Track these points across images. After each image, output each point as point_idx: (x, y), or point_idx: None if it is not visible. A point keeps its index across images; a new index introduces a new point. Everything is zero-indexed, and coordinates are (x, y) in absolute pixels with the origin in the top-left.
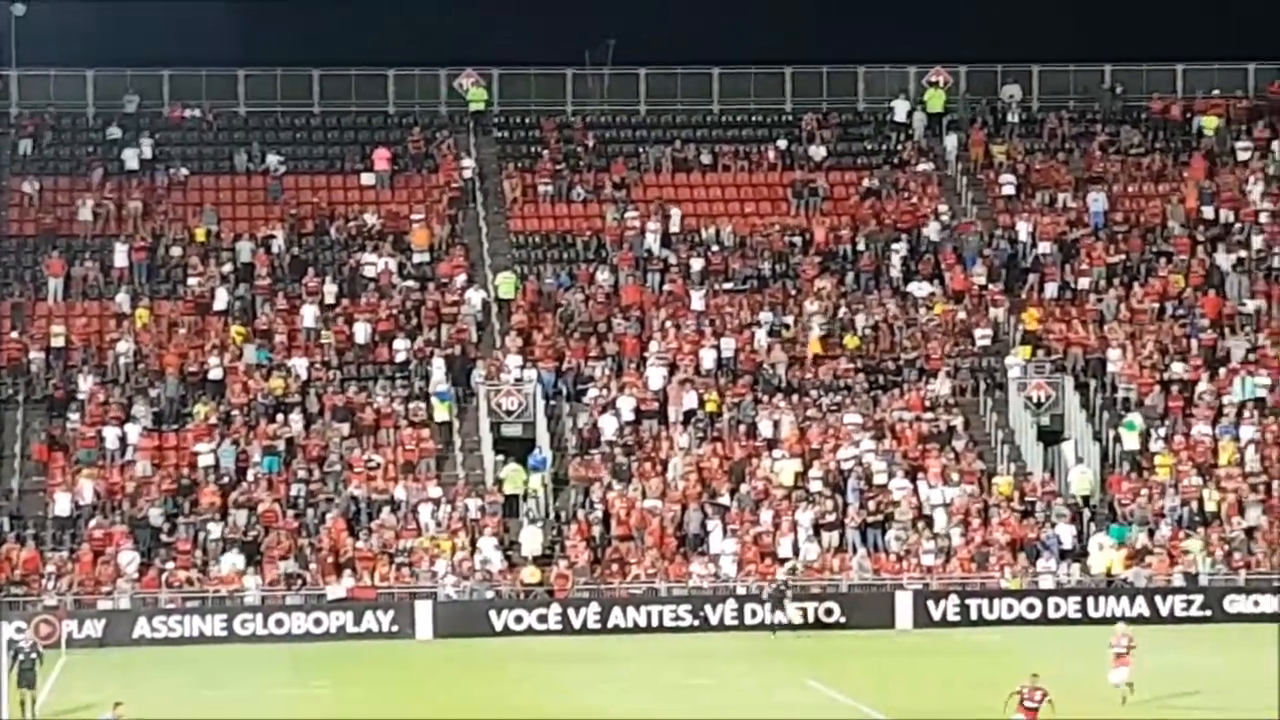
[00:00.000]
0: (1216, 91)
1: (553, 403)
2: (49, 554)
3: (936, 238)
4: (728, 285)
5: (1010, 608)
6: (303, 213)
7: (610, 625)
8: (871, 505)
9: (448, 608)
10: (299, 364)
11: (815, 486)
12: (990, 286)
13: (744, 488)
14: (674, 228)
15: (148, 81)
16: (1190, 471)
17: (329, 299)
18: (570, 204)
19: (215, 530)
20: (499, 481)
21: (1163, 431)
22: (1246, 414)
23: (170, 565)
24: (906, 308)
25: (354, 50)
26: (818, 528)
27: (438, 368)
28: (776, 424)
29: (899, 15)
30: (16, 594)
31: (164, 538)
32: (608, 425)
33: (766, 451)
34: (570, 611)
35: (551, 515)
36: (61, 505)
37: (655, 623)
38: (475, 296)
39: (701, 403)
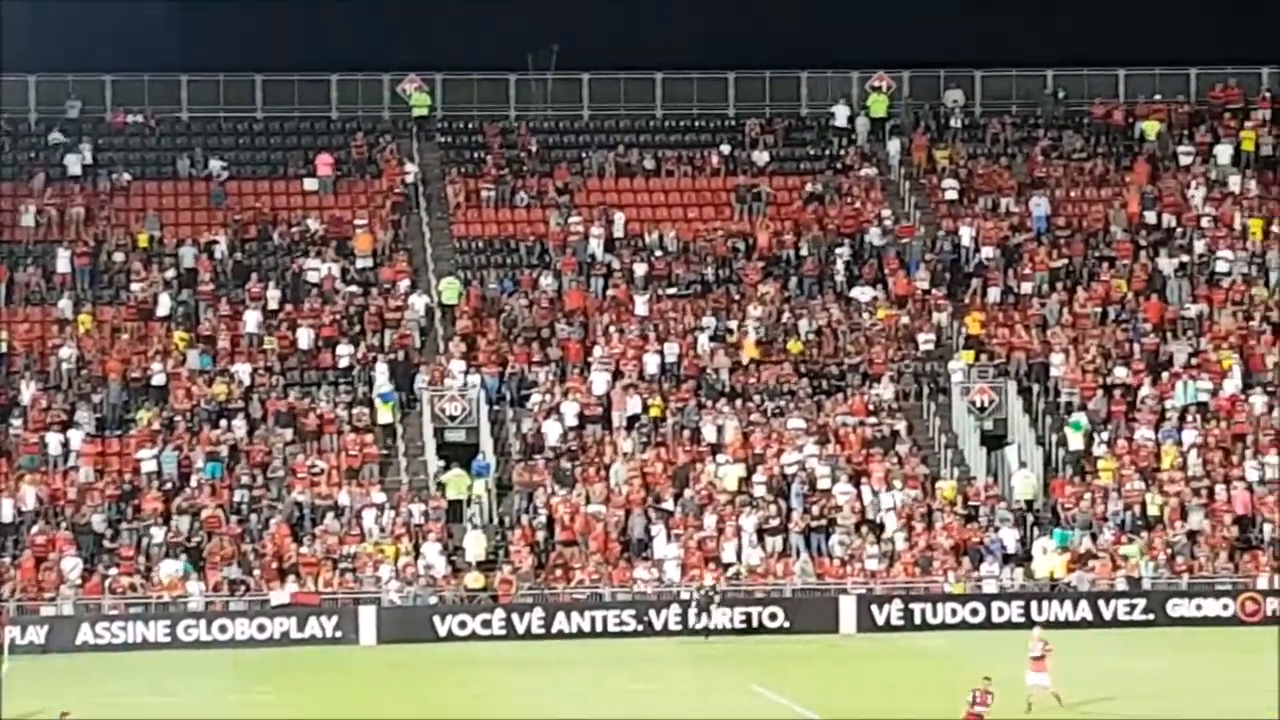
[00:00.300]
0: (1158, 96)
1: (496, 408)
2: None
3: (880, 242)
4: (671, 290)
5: (954, 612)
6: (246, 218)
7: (554, 630)
8: (815, 510)
9: (391, 613)
10: (242, 369)
11: (759, 491)
12: (933, 291)
13: (688, 493)
14: (617, 233)
15: (89, 87)
16: (1133, 476)
17: (272, 304)
18: (514, 209)
19: (158, 536)
20: (442, 487)
21: (1105, 436)
22: (1189, 418)
23: (113, 571)
24: (850, 312)
25: (297, 55)
26: (761, 532)
27: (381, 373)
28: (720, 429)
29: (842, 20)
30: None
31: (107, 544)
32: (551, 430)
33: (710, 456)
34: (514, 617)
35: (495, 520)
36: (4, 511)
37: (599, 628)
38: (419, 302)
39: (645, 408)
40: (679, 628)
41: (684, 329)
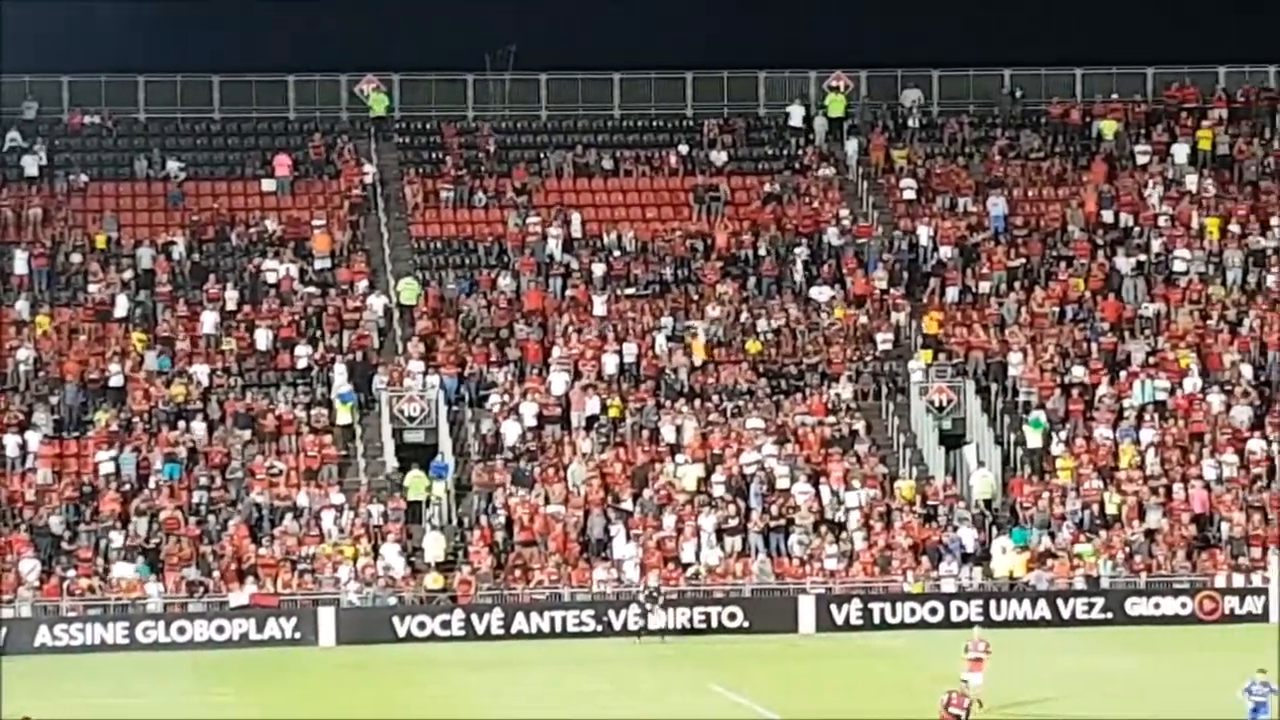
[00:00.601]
0: (1115, 96)
1: (455, 408)
2: None
3: (838, 242)
4: (630, 290)
5: (913, 611)
6: (203, 219)
7: (513, 631)
8: (774, 510)
9: (350, 614)
10: (200, 371)
11: (718, 491)
12: (891, 291)
13: (646, 493)
14: (575, 233)
15: (46, 87)
16: (1091, 475)
17: (230, 305)
18: (472, 209)
19: (117, 538)
20: (402, 488)
21: (1064, 435)
22: (1147, 417)
23: (71, 573)
24: (808, 312)
25: (254, 56)
26: (720, 532)
27: (339, 374)
28: (679, 429)
29: (799, 20)
30: None
31: (65, 545)
32: (510, 431)
33: (669, 456)
34: (473, 617)
35: (454, 521)
36: None
37: (558, 628)
38: (377, 302)
39: (604, 408)
40: (638, 628)
41: (643, 329)
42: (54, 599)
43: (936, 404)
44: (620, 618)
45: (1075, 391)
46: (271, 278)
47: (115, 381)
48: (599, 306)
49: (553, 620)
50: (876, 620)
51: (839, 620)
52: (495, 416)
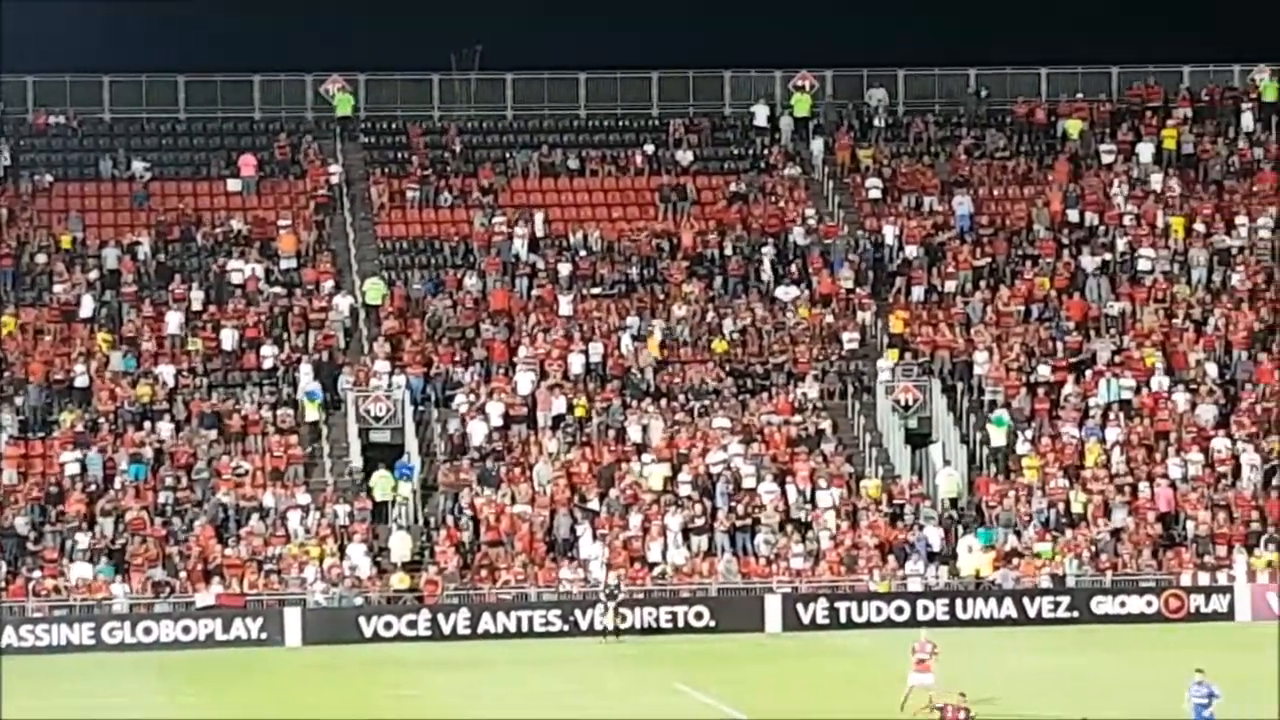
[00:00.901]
0: (1080, 95)
1: (421, 408)
2: None
3: (804, 241)
4: (596, 290)
5: (879, 610)
6: (169, 219)
7: (480, 631)
8: (740, 509)
9: (317, 614)
10: (166, 371)
11: (684, 490)
12: (857, 290)
13: (613, 492)
14: (541, 232)
15: (11, 87)
16: (1057, 473)
17: (196, 305)
18: (438, 209)
19: (82, 539)
20: (368, 488)
21: (1029, 434)
22: (1112, 416)
23: (37, 574)
24: (774, 312)
25: (220, 56)
26: (686, 532)
27: (305, 374)
28: (645, 428)
29: (764, 20)
30: None
31: (30, 546)
32: (476, 431)
33: (635, 456)
34: (440, 617)
35: (420, 521)
36: None
37: (525, 628)
38: (343, 302)
39: (570, 407)
40: (602, 628)
41: (609, 329)
42: (19, 600)
43: (902, 403)
44: (587, 617)
45: (1041, 390)
46: (237, 278)
47: (81, 382)
48: (565, 306)
49: (519, 620)
50: (843, 619)
51: (805, 619)
52: (461, 416)
